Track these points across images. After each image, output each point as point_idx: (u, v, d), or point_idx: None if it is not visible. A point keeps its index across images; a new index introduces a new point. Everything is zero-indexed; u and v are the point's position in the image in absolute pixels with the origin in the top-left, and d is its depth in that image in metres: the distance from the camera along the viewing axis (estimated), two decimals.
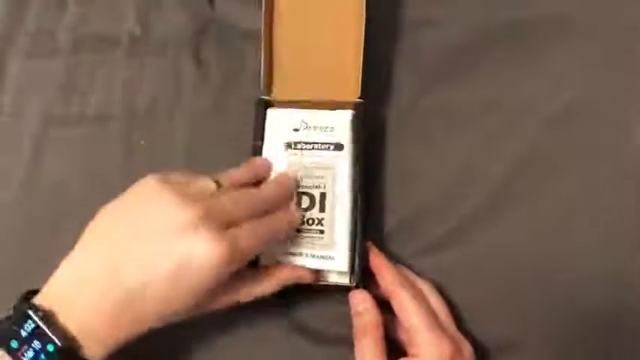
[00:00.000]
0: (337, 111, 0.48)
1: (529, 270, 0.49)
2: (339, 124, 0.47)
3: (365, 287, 0.45)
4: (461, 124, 0.52)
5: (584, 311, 0.48)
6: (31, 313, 0.36)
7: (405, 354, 0.43)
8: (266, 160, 0.47)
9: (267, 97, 0.49)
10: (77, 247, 0.39)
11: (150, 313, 0.38)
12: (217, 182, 0.42)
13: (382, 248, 0.47)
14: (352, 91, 0.48)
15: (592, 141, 0.52)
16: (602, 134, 0.52)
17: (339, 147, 0.46)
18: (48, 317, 0.37)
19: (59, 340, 0.36)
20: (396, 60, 0.54)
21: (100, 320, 0.37)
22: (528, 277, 0.49)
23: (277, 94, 0.49)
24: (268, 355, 0.48)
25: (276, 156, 0.47)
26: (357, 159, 0.46)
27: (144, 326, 0.38)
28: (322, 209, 0.45)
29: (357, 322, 0.44)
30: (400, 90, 0.54)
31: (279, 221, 0.43)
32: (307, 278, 0.45)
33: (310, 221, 0.45)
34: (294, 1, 0.49)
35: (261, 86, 0.49)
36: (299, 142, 0.46)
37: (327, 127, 0.47)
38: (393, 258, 0.47)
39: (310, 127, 0.47)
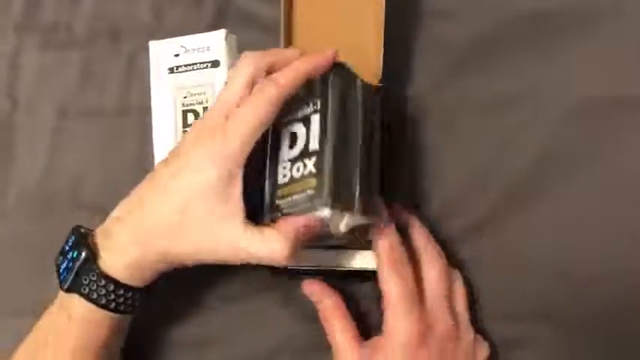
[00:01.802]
0: (212, 32, 0.51)
1: (550, 265, 0.49)
2: (214, 44, 0.51)
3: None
4: (483, 114, 0.53)
5: (608, 306, 0.48)
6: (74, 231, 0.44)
7: None
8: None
9: None
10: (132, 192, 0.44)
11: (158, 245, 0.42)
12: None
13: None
14: (373, 76, 0.49)
15: (617, 134, 0.51)
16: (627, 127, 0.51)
17: (215, 64, 0.50)
18: (84, 234, 0.44)
19: (85, 249, 0.42)
20: (419, 49, 0.55)
21: (128, 246, 0.43)
22: (549, 272, 0.49)
23: None
24: (261, 326, 0.51)
25: (162, 81, 0.51)
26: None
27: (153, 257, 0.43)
28: None
29: (320, 308, 0.48)
30: (423, 79, 0.54)
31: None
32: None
33: None
34: None
35: None
36: (180, 66, 0.51)
37: (203, 48, 0.51)
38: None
39: (189, 50, 0.51)
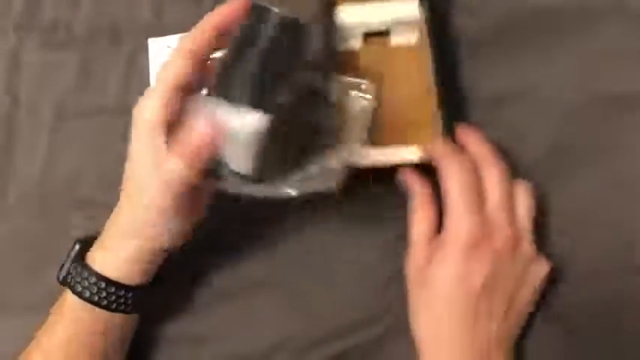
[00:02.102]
0: None
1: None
2: None
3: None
4: (485, 111, 0.52)
5: (607, 303, 0.47)
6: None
7: None
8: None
9: None
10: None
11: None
12: None
13: None
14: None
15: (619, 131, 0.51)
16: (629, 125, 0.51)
17: None
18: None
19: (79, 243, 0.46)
20: None
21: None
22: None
23: None
24: (259, 323, 0.50)
25: None
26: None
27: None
28: None
29: (414, 197, 0.47)
30: None
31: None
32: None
33: None
34: None
35: None
36: None
37: None
38: None
39: None
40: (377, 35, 0.51)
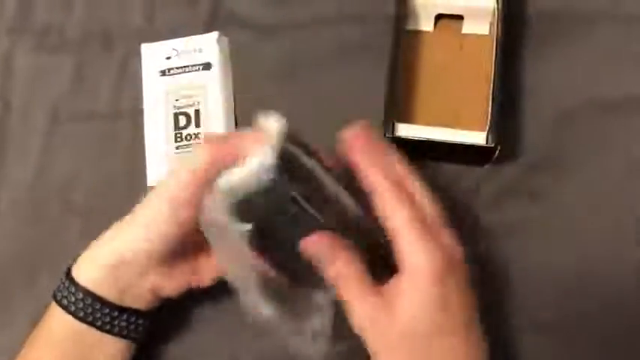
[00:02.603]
0: (204, 34, 0.51)
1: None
2: (207, 46, 0.51)
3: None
4: None
5: (593, 310, 0.47)
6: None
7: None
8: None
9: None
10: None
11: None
12: None
13: None
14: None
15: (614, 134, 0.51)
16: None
17: (207, 66, 0.51)
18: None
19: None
20: None
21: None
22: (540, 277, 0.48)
23: None
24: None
25: (153, 84, 0.52)
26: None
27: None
28: (198, 124, 0.50)
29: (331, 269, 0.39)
30: None
31: None
32: None
33: (188, 137, 0.50)
34: None
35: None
36: (172, 68, 0.51)
37: (195, 50, 0.51)
38: None
39: (181, 52, 0.51)
40: (449, 18, 0.51)
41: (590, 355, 0.47)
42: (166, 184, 0.40)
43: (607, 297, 0.47)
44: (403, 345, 0.37)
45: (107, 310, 0.42)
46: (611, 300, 0.47)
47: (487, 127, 0.46)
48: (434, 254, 0.36)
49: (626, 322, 0.47)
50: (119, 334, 0.43)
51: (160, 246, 0.41)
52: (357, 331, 0.38)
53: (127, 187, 0.47)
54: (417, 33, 0.51)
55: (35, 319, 0.45)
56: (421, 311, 0.36)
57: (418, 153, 0.46)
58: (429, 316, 0.36)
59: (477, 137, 0.46)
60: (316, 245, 0.38)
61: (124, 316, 0.43)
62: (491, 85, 0.47)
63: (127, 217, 0.42)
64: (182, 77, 0.51)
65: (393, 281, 0.37)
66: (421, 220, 0.37)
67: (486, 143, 0.46)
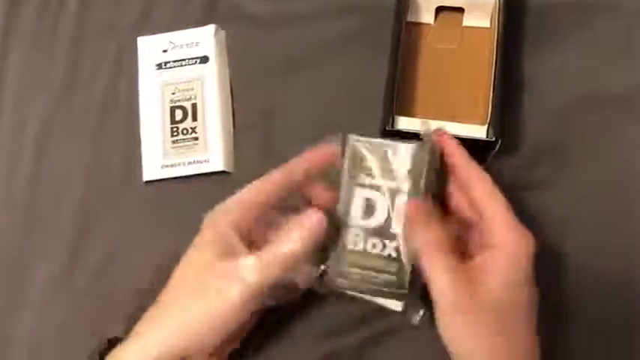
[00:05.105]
0: (201, 27, 0.51)
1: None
2: (203, 39, 0.50)
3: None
4: None
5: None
6: None
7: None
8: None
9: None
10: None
11: None
12: None
13: None
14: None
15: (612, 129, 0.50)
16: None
17: (204, 60, 0.50)
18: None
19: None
20: None
21: None
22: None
23: None
24: None
25: (149, 77, 0.51)
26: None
27: None
28: (194, 118, 0.49)
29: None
30: None
31: None
32: None
33: (185, 131, 0.49)
34: None
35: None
36: (168, 62, 0.51)
37: (192, 43, 0.50)
38: None
39: (177, 46, 0.51)
40: (450, 11, 0.51)
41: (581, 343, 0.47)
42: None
43: (601, 287, 0.47)
44: (489, 317, 0.40)
45: None
46: (607, 290, 0.47)
47: (488, 121, 0.46)
48: (529, 238, 0.40)
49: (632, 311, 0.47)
50: None
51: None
52: (436, 299, 0.40)
53: (123, 180, 0.46)
54: (418, 25, 0.51)
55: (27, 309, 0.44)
56: (510, 285, 0.40)
57: None
58: (519, 290, 0.40)
59: (478, 131, 0.46)
60: (417, 209, 0.42)
61: None
62: (492, 78, 0.47)
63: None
64: (179, 71, 0.50)
65: (480, 258, 0.40)
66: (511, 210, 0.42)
67: (487, 137, 0.46)
